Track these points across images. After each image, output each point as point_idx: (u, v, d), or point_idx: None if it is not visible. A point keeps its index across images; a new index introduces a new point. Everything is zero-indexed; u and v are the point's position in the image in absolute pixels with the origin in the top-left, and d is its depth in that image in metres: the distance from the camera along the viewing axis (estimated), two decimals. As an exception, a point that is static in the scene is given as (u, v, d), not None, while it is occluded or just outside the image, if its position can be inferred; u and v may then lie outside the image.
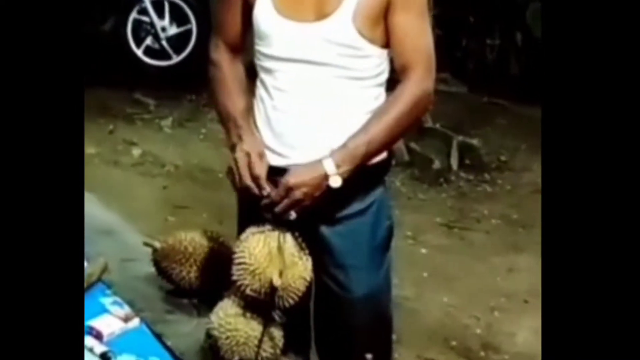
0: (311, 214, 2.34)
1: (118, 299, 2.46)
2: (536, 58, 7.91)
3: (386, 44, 2.37)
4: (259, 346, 2.16)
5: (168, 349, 2.27)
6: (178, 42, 7.67)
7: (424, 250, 5.06)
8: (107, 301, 2.45)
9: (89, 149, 6.12)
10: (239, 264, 2.18)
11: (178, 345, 2.29)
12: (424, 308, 4.36)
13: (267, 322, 2.18)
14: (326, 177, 2.26)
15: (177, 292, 2.52)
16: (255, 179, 2.32)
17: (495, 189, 6.31)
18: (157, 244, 2.56)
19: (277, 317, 2.20)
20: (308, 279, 2.23)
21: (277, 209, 2.26)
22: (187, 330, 2.36)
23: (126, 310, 2.40)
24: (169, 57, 7.70)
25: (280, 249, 2.16)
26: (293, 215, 2.26)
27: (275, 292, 2.14)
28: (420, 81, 2.35)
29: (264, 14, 2.38)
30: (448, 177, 6.38)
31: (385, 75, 2.43)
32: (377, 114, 2.35)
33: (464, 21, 8.41)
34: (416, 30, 2.37)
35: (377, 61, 2.38)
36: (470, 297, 4.67)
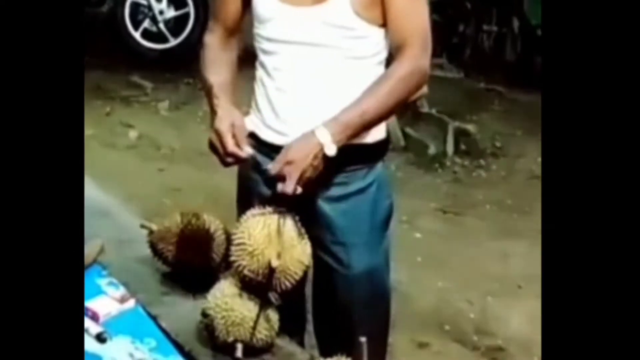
0: (312, 192, 2.38)
1: (114, 280, 2.47)
2: (532, 45, 7.92)
3: (384, 24, 2.39)
4: (254, 327, 2.18)
5: (163, 330, 2.28)
6: (176, 25, 7.67)
7: (418, 235, 5.08)
8: (103, 282, 2.46)
9: (86, 131, 6.12)
10: (238, 244, 2.19)
11: (173, 326, 2.30)
12: (418, 292, 4.37)
13: (263, 303, 2.20)
14: (321, 146, 2.27)
15: (172, 274, 2.54)
16: (237, 143, 2.33)
17: (490, 174, 6.33)
18: (154, 226, 2.57)
19: (273, 299, 2.21)
20: (306, 262, 2.24)
21: (283, 187, 2.27)
22: (182, 312, 2.38)
23: (122, 291, 2.41)
24: (166, 40, 7.70)
25: (279, 231, 2.17)
26: (299, 189, 2.27)
27: (272, 274, 2.15)
28: (414, 58, 2.36)
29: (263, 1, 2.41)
30: (443, 163, 6.39)
31: (384, 54, 2.46)
32: (371, 87, 2.36)
33: (461, 7, 8.40)
34: (412, 9, 2.38)
35: (375, 40, 2.41)
36: (464, 282, 4.69)
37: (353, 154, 2.41)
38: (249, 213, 2.25)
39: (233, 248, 2.20)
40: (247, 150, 2.34)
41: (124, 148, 6.17)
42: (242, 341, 2.19)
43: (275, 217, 2.20)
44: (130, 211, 3.01)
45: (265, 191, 2.49)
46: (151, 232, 2.57)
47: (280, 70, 2.43)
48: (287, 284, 2.19)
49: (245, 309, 2.19)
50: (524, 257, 4.72)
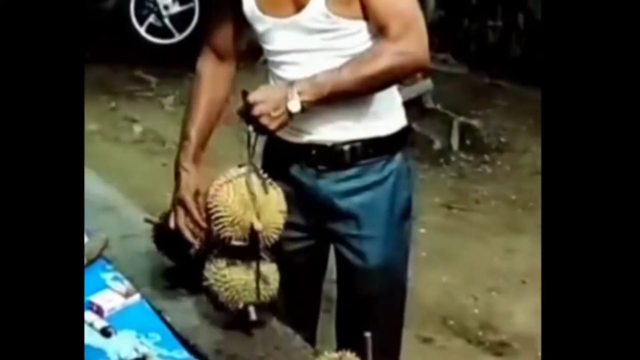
0: (329, 186, 2.45)
1: (119, 275, 2.47)
2: (538, 40, 7.90)
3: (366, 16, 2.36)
4: (257, 287, 2.20)
5: (168, 324, 2.29)
6: (181, 20, 7.67)
7: (423, 230, 5.06)
8: (107, 277, 2.47)
9: (90, 126, 6.13)
10: (217, 218, 2.21)
11: (178, 321, 2.31)
12: (422, 287, 4.36)
13: (258, 263, 2.22)
14: (286, 99, 2.26)
15: (177, 269, 2.54)
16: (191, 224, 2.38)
17: (495, 170, 6.31)
18: (158, 220, 2.57)
19: (266, 257, 2.24)
20: (284, 208, 2.26)
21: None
22: (187, 306, 2.38)
23: (127, 285, 2.41)
24: (171, 36, 7.69)
25: (250, 192, 2.19)
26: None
27: (258, 235, 2.18)
28: (395, 39, 2.29)
29: (249, 14, 2.44)
30: (448, 158, 6.38)
31: None
32: (355, 61, 2.31)
33: (466, 2, 8.39)
34: None
35: (366, 34, 2.38)
36: (468, 277, 4.69)
37: (368, 147, 2.44)
38: (215, 183, 2.26)
39: (213, 223, 2.23)
40: (193, 241, 2.37)
41: (128, 143, 6.17)
42: (252, 303, 2.23)
43: (241, 180, 2.22)
44: (134, 206, 3.00)
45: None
46: (155, 226, 2.57)
47: (285, 79, 2.42)
48: (275, 236, 2.24)
49: (243, 274, 2.22)
50: (529, 253, 4.71)
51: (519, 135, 6.76)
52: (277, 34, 2.42)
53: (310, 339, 2.44)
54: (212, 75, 2.62)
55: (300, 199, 2.50)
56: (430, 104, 6.73)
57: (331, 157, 2.47)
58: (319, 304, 2.74)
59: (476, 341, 4.18)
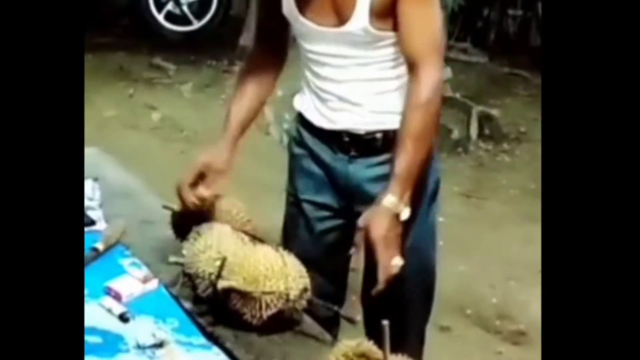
0: (360, 171, 2.53)
1: (137, 261, 2.47)
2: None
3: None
4: None
5: (186, 311, 2.29)
6: (199, 7, 7.68)
7: (441, 219, 5.02)
8: (125, 262, 2.47)
9: (109, 112, 6.16)
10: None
11: (195, 307, 2.31)
12: (440, 276, 4.33)
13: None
14: (397, 215, 2.31)
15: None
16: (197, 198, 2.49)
17: (513, 159, 6.30)
18: (176, 207, 2.57)
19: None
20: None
21: (383, 275, 2.29)
22: (205, 293, 2.38)
23: (145, 272, 2.41)
24: (189, 23, 7.71)
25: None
26: (399, 262, 2.31)
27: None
28: (431, 74, 2.36)
29: (288, 13, 2.49)
30: (467, 147, 6.37)
31: None
32: (406, 125, 2.36)
33: (485, -9, 8.37)
34: (423, 21, 2.37)
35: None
36: (486, 267, 4.68)
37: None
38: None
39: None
40: (201, 194, 2.48)
41: (146, 129, 6.18)
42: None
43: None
44: (152, 192, 3.01)
45: (308, 165, 2.62)
46: (174, 212, 2.57)
47: (322, 77, 2.51)
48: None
49: (229, 252, 2.24)
50: (547, 242, 4.70)
51: (538, 125, 6.72)
52: (317, 39, 2.47)
53: (336, 316, 2.45)
54: (263, 62, 2.64)
55: (331, 182, 2.59)
56: (449, 93, 6.71)
57: (364, 144, 2.53)
58: (347, 280, 2.77)
59: (494, 330, 4.18)
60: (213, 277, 2.20)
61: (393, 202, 2.30)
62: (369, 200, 2.46)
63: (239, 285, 2.15)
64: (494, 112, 6.83)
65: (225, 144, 2.57)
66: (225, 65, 7.26)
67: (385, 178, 2.45)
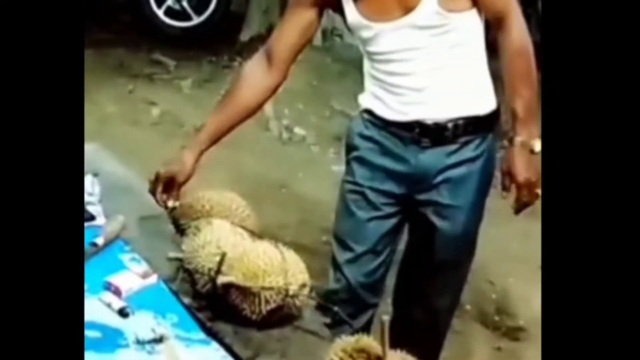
0: (429, 160, 2.67)
1: (136, 256, 2.48)
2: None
3: (474, 3, 2.55)
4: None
5: (185, 306, 2.29)
6: (199, 3, 7.65)
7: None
8: (125, 258, 2.47)
9: (109, 108, 6.15)
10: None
11: (195, 303, 2.31)
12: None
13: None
14: (532, 150, 2.53)
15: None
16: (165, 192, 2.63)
17: (513, 155, 6.28)
18: (176, 202, 2.57)
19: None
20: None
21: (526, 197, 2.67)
22: (204, 288, 2.38)
23: (144, 267, 2.42)
24: (189, 18, 7.68)
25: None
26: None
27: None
28: (520, 21, 2.58)
29: (355, 23, 2.58)
30: (466, 142, 6.35)
31: (481, 28, 2.64)
32: (512, 71, 2.60)
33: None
34: None
35: (470, 23, 2.58)
36: (485, 262, 4.66)
37: (469, 125, 2.63)
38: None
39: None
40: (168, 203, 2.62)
41: (146, 125, 6.17)
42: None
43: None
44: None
45: (375, 157, 2.73)
46: (173, 208, 2.57)
47: (393, 74, 2.62)
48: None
49: (229, 247, 2.24)
50: (547, 238, 4.69)
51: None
52: (385, 37, 2.55)
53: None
54: (255, 81, 2.69)
55: (398, 172, 2.69)
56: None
57: (434, 134, 2.63)
58: (390, 266, 2.91)
59: (493, 326, 4.18)
60: (212, 272, 2.21)
61: (524, 141, 2.51)
62: (434, 187, 2.67)
63: (239, 280, 2.15)
64: (494, 107, 6.81)
65: (190, 155, 2.63)
66: (226, 60, 7.24)
67: (452, 166, 2.65)
